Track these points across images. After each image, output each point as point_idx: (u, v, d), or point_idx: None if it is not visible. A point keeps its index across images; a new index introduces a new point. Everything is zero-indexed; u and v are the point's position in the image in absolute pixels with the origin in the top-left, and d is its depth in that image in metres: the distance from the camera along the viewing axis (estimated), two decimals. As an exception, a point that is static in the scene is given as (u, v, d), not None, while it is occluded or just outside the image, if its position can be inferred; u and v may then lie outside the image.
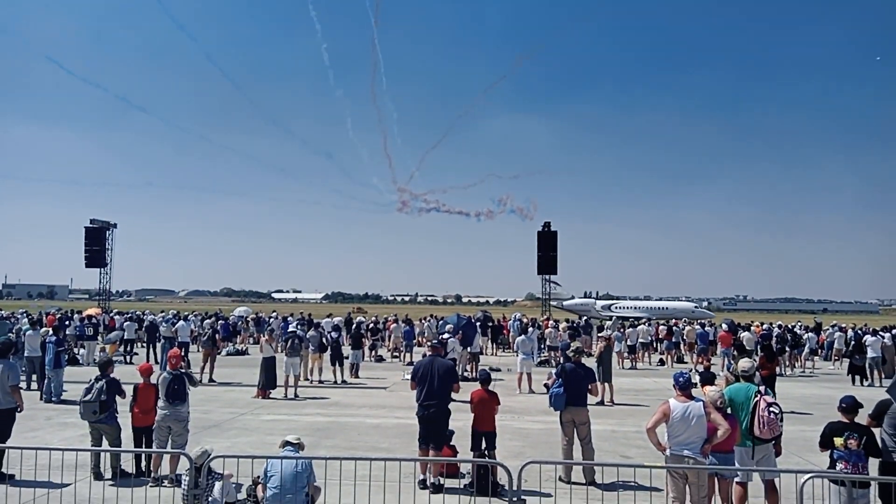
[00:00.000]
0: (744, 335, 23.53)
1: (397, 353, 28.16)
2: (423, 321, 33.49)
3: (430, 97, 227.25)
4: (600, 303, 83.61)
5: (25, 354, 16.81)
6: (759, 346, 17.17)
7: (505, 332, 32.63)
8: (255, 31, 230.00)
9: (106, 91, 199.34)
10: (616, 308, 75.86)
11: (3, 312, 36.78)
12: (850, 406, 6.93)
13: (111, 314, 38.10)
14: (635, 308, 74.92)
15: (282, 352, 18.73)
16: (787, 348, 24.90)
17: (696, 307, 76.81)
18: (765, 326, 29.51)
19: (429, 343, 10.91)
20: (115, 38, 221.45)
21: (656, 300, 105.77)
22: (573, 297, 79.36)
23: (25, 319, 27.03)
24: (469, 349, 21.24)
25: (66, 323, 27.32)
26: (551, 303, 53.35)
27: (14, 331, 21.75)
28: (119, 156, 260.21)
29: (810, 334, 29.31)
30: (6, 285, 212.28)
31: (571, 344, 14.63)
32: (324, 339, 20.11)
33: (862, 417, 7.04)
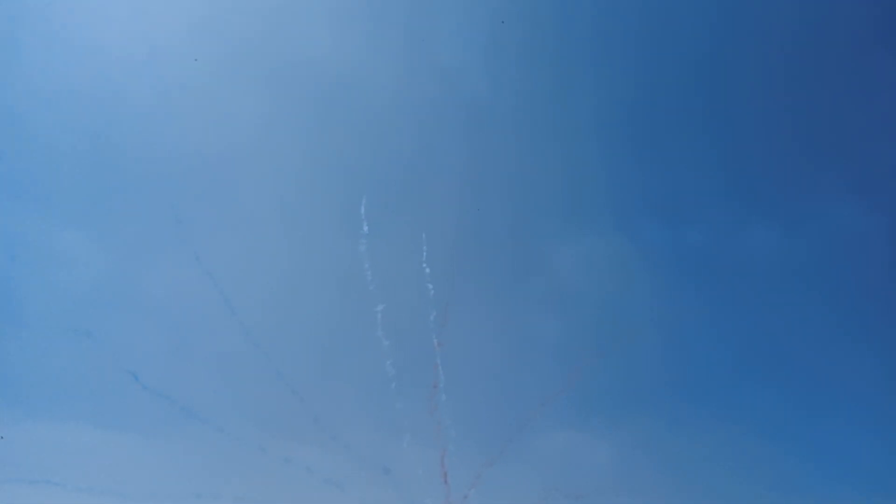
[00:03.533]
0: None
1: None
2: None
3: (488, 410, 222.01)
4: None
5: None
6: None
7: None
8: (324, 344, 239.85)
9: (173, 402, 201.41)
10: None
11: None
12: None
13: None
14: None
15: None
16: None
17: None
18: None
19: None
20: (192, 352, 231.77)
21: None
22: None
23: None
24: None
25: None
26: None
27: None
28: (170, 465, 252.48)
29: None
30: None
31: None
32: None
33: None
